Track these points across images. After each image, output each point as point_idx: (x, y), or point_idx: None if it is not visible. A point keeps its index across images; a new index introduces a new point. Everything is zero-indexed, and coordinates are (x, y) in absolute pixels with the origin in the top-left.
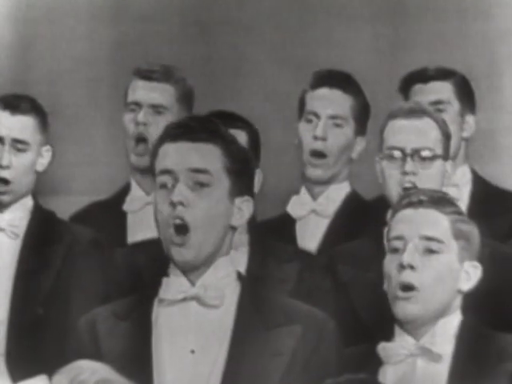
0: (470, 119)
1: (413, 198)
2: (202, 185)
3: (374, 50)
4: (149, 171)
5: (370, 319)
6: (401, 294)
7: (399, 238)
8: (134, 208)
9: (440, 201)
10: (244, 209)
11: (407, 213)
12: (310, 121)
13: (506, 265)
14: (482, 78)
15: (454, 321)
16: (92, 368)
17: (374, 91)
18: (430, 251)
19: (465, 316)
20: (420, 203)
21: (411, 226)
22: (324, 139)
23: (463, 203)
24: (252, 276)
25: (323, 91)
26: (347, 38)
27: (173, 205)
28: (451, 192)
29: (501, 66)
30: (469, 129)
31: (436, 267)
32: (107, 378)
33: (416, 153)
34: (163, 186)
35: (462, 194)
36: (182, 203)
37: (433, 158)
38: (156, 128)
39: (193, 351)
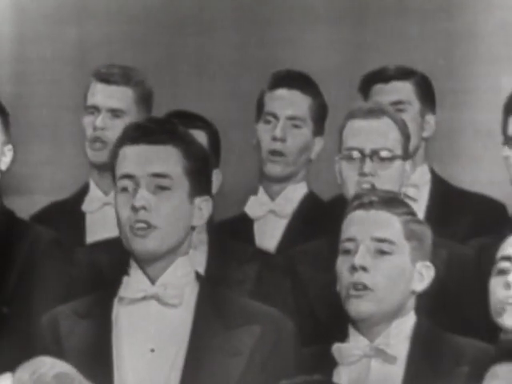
0: (430, 119)
1: (364, 199)
2: (162, 188)
3: (335, 50)
4: (106, 170)
5: (327, 319)
6: (353, 292)
7: (351, 239)
8: (93, 208)
9: (391, 201)
10: (204, 208)
11: (358, 214)
12: (268, 122)
13: (464, 266)
14: (442, 77)
15: (408, 322)
16: (52, 362)
17: (335, 91)
18: (382, 252)
19: (419, 317)
20: (371, 204)
21: (363, 227)
22: (283, 140)
23: (422, 203)
24: (211, 276)
25: (282, 92)
26: (308, 38)
27: (135, 209)
28: (410, 192)
29: (461, 66)
30: (429, 128)
31: (388, 268)
32: (66, 372)
33: (375, 153)
34: (124, 189)
35: (421, 194)
36: (144, 208)
37: (392, 158)
38: (114, 132)
39: (152, 350)
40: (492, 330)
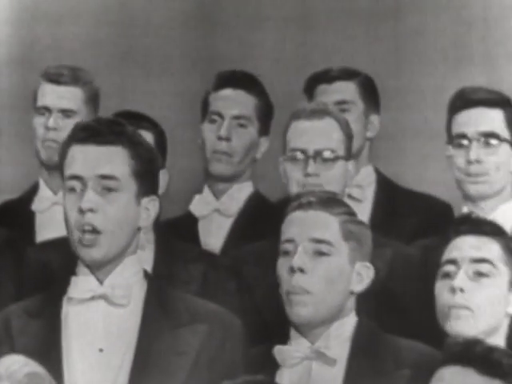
0: (374, 119)
1: (303, 199)
2: (109, 190)
3: (282, 50)
4: (56, 169)
5: (273, 320)
6: (293, 297)
7: (290, 240)
8: (42, 208)
9: (329, 202)
10: (151, 208)
11: (297, 215)
12: (213, 121)
13: (409, 266)
14: (388, 78)
15: (348, 323)
16: (24, 361)
17: (281, 92)
18: (320, 254)
19: (361, 318)
20: (309, 205)
21: (301, 228)
22: (228, 139)
23: (367, 204)
24: (158, 275)
25: (227, 92)
26: (256, 38)
27: (82, 211)
28: (355, 193)
29: (407, 67)
30: (373, 129)
31: (326, 270)
32: (37, 372)
33: (318, 154)
34: (72, 190)
35: (366, 194)
36: (91, 210)
37: (335, 158)
38: (66, 132)
39: (101, 350)
40: (437, 332)
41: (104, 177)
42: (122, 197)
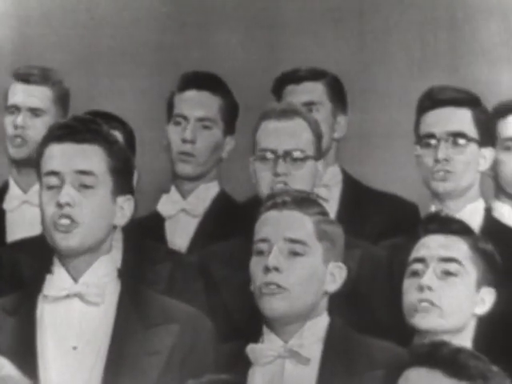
0: (341, 120)
1: (277, 199)
2: (87, 186)
3: (248, 50)
4: (26, 167)
5: (241, 319)
6: (267, 290)
7: (264, 240)
8: (12, 206)
9: (303, 201)
10: (126, 208)
11: (271, 215)
12: (178, 123)
13: (377, 266)
14: (354, 79)
15: (321, 323)
16: (1, 363)
17: (248, 92)
18: (295, 253)
19: (332, 318)
20: (284, 204)
21: (276, 228)
22: (193, 142)
23: (334, 204)
24: (131, 274)
25: (191, 93)
26: (221, 39)
27: (60, 205)
28: (322, 192)
29: (373, 67)
30: (340, 129)
31: (301, 269)
32: (12, 376)
33: (288, 154)
34: (49, 186)
35: (332, 194)
36: (68, 204)
37: (304, 158)
38: (34, 130)
39: (75, 347)
40: (405, 332)
41: (81, 172)
42: (98, 193)
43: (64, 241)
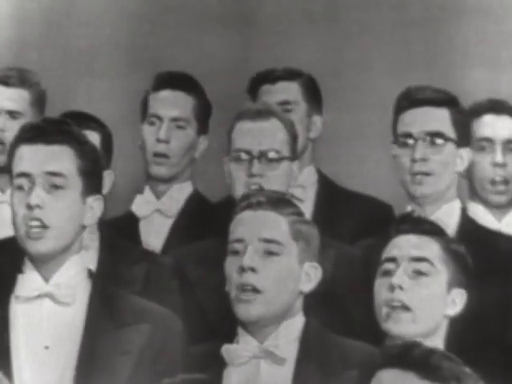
0: (316, 120)
1: (252, 199)
2: (57, 187)
3: (223, 50)
4: (4, 169)
5: (216, 319)
6: (242, 295)
7: (239, 240)
8: None
9: (279, 202)
10: (95, 207)
11: (246, 215)
12: (152, 123)
13: (351, 266)
14: (329, 79)
15: (296, 323)
16: None
17: (223, 92)
18: (270, 253)
19: (308, 318)
20: (259, 205)
21: (250, 228)
22: (167, 142)
23: (309, 204)
24: (101, 274)
25: (165, 93)
26: (197, 39)
27: (30, 207)
28: (297, 193)
29: (347, 68)
30: (315, 129)
31: (276, 269)
32: None
33: (262, 155)
34: (20, 187)
35: (307, 194)
36: (38, 206)
37: (279, 159)
38: (12, 132)
39: (47, 347)
40: (379, 332)
41: (51, 174)
42: (68, 194)
43: (35, 246)
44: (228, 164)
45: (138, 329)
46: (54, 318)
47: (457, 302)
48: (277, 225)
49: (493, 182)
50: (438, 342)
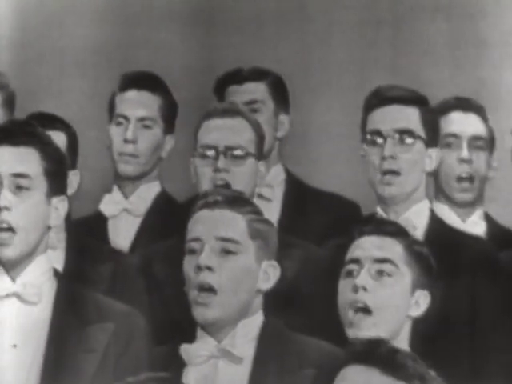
0: (284, 119)
1: (209, 198)
2: (22, 188)
3: (190, 50)
4: None
5: (181, 318)
6: (199, 298)
7: (196, 239)
8: None
9: (236, 201)
10: (60, 208)
11: (203, 214)
12: (119, 123)
13: (318, 266)
14: (297, 78)
15: (255, 322)
16: None
17: (189, 92)
18: (227, 252)
19: (267, 317)
20: (216, 204)
21: (207, 227)
22: (134, 142)
23: (277, 203)
24: (68, 274)
25: (131, 93)
26: (163, 39)
27: None
28: (264, 192)
29: (315, 68)
30: (283, 129)
31: (233, 268)
32: None
33: (229, 150)
34: None
35: (275, 194)
36: (6, 208)
37: (245, 156)
38: None
39: (15, 346)
40: (343, 333)
41: (18, 175)
42: (33, 195)
43: (4, 253)
44: (194, 161)
45: (103, 327)
46: (22, 317)
47: (420, 303)
48: (234, 223)
49: (458, 179)
50: (402, 343)
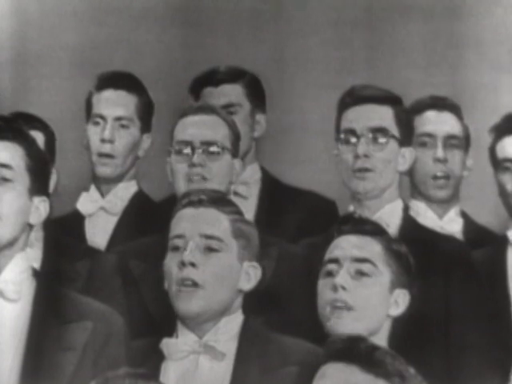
0: (260, 119)
1: (193, 197)
2: (6, 180)
3: (165, 50)
4: None
5: (158, 314)
6: (182, 289)
7: (180, 236)
8: None
9: (220, 200)
10: (41, 209)
11: (188, 212)
12: (97, 123)
13: (293, 264)
14: (273, 78)
15: (236, 320)
16: None
17: (165, 91)
18: (211, 250)
19: (247, 316)
20: (200, 202)
21: (192, 224)
22: (111, 142)
23: (253, 201)
24: (46, 272)
25: (108, 93)
26: (139, 39)
27: None
28: (240, 190)
29: (290, 67)
30: (260, 128)
31: (216, 265)
32: None
33: (204, 146)
34: None
35: (251, 192)
36: None
37: (221, 152)
38: None
39: None
40: (320, 332)
41: (1, 165)
42: (15, 187)
43: None
44: (170, 158)
45: (81, 326)
46: (3, 314)
47: (399, 302)
48: (218, 222)
49: (434, 178)
50: (381, 341)
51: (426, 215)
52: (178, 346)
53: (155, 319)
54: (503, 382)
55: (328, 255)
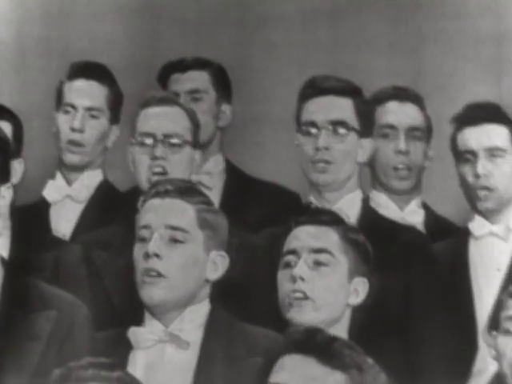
0: (226, 109)
1: (159, 187)
2: None
3: (133, 40)
4: None
5: (122, 304)
6: (147, 278)
7: (146, 227)
8: None
9: (186, 191)
10: (6, 196)
11: (154, 202)
12: (67, 112)
13: (253, 255)
14: (237, 68)
15: (202, 309)
16: None
17: (131, 82)
18: (175, 241)
19: (214, 305)
20: (166, 193)
21: (157, 215)
22: (81, 131)
23: (217, 192)
24: (14, 262)
25: (79, 83)
26: (106, 29)
27: None
28: (204, 180)
29: (256, 56)
30: (224, 118)
31: (181, 256)
32: None
33: (166, 138)
34: None
35: (215, 182)
36: None
37: (182, 144)
38: None
39: None
40: (281, 321)
41: None
42: None
43: None
44: (132, 149)
45: (46, 315)
46: None
47: (359, 290)
48: (183, 213)
49: (395, 169)
50: (341, 331)
51: (387, 206)
52: (145, 334)
53: (118, 309)
54: (465, 373)
55: (286, 246)
